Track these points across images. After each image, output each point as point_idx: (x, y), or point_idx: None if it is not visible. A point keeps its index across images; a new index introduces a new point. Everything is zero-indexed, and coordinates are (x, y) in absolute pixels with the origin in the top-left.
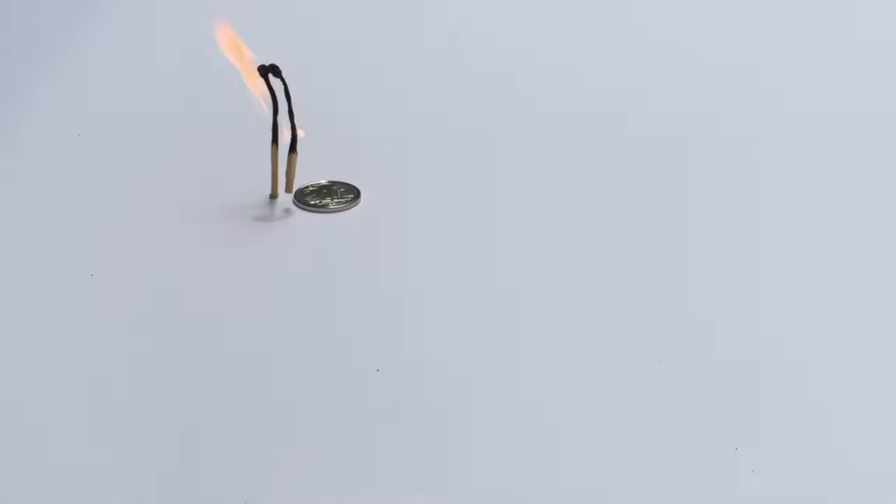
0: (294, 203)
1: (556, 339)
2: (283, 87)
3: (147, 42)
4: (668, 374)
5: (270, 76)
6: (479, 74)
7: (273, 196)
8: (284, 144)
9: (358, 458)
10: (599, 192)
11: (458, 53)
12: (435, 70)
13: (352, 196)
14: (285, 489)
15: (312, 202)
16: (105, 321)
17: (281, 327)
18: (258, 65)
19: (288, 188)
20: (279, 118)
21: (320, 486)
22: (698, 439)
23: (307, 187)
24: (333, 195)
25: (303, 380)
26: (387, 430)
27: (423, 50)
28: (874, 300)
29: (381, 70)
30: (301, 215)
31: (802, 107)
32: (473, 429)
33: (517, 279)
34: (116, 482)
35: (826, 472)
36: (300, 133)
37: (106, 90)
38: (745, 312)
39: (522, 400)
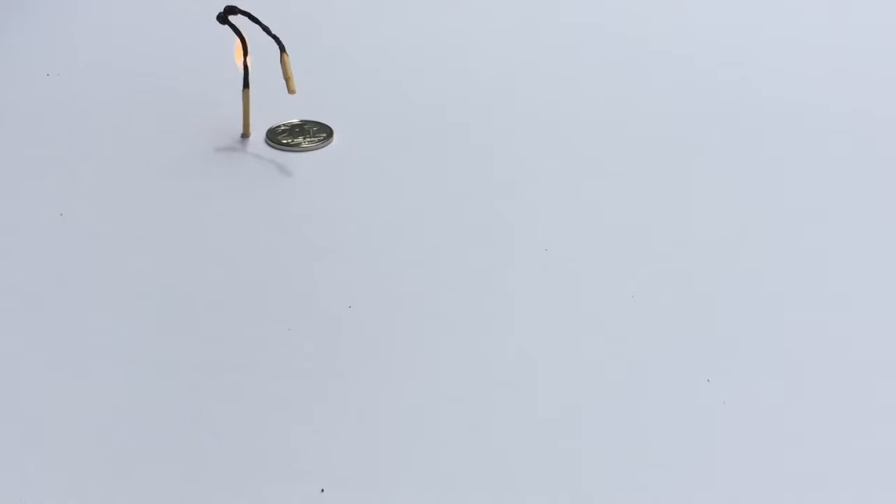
0: (266, 142)
1: (532, 264)
2: (248, 17)
3: None
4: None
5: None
6: (451, 15)
7: (245, 135)
8: (255, 84)
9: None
10: (573, 128)
11: None
12: (410, 8)
13: (324, 135)
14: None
15: (285, 141)
16: (76, 260)
17: (255, 263)
18: (217, 14)
19: (290, 88)
20: (249, 60)
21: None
22: (671, 371)
23: (279, 126)
24: (306, 134)
25: (275, 317)
26: (361, 365)
27: None
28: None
29: (356, 9)
30: (274, 154)
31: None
32: (450, 352)
33: (488, 212)
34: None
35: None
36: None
37: (78, 33)
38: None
39: (508, 332)
